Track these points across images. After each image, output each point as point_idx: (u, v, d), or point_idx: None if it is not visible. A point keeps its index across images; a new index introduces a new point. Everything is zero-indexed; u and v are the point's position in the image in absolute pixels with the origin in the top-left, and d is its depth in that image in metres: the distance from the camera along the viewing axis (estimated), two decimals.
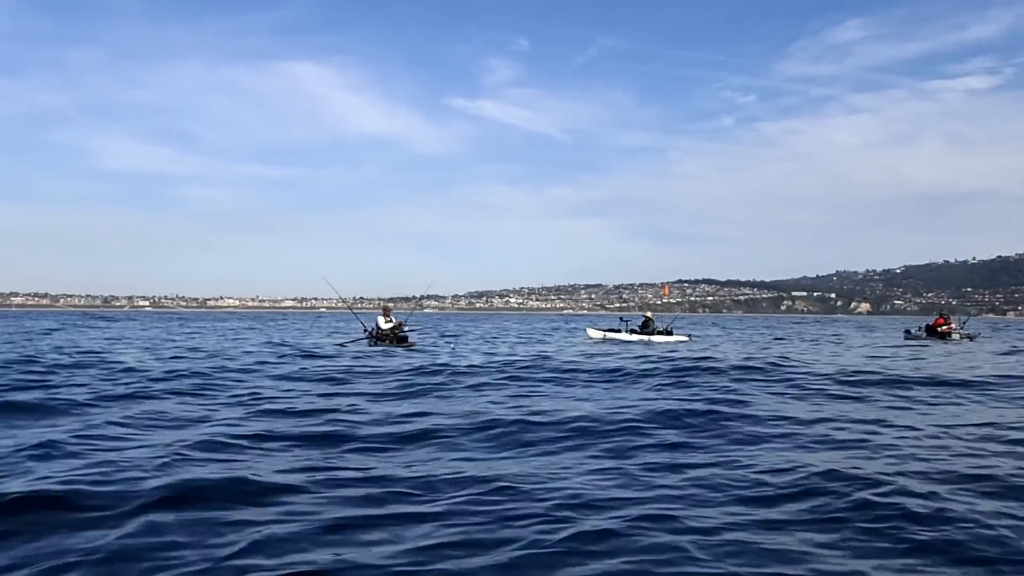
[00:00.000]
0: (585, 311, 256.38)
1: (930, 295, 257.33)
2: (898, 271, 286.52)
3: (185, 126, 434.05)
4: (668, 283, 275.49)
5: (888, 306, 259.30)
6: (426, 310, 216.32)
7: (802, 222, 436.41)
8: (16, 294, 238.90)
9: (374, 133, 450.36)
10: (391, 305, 25.75)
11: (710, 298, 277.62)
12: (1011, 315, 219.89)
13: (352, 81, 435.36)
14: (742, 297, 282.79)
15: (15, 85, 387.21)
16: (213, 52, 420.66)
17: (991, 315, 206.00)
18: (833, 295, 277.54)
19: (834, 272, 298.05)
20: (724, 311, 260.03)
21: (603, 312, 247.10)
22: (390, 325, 21.55)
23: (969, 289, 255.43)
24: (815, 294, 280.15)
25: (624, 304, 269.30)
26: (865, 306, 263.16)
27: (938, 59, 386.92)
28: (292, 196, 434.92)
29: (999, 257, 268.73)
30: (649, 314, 30.01)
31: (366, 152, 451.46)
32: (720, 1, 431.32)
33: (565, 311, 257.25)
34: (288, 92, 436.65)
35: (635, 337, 27.55)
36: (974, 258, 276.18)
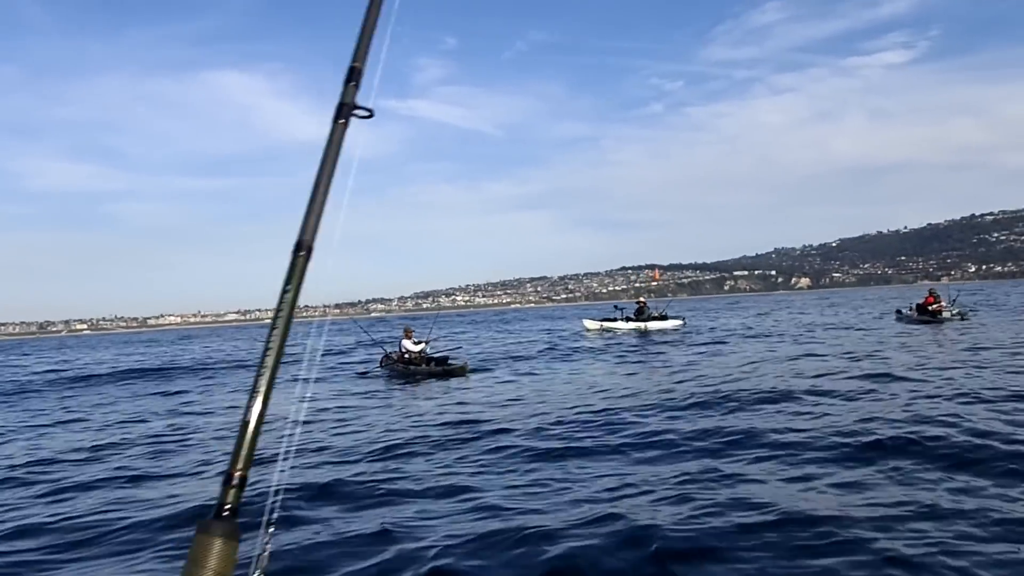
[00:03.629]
0: (532, 304, 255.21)
1: (866, 266, 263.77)
2: (834, 244, 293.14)
3: (111, 141, 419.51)
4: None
5: (827, 279, 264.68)
6: (372, 314, 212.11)
7: (737, 203, 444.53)
8: None
9: (306, 139, 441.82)
10: (412, 327, 20.14)
11: (654, 283, 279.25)
12: (945, 280, 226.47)
13: (281, 87, 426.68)
14: (685, 280, 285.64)
15: None
16: (134, 64, 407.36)
17: (926, 281, 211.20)
18: (773, 272, 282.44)
19: (772, 250, 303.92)
20: (669, 295, 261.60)
21: (549, 304, 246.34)
22: (420, 347, 18.07)
23: (903, 258, 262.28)
24: (756, 272, 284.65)
25: (571, 295, 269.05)
26: (805, 281, 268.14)
27: (855, 36, 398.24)
28: (226, 207, 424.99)
29: (929, 225, 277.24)
30: (643, 299, 30.03)
31: (300, 159, 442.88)
32: None
33: (512, 305, 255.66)
34: (216, 102, 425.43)
35: (631, 325, 27.56)
36: (905, 227, 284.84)
